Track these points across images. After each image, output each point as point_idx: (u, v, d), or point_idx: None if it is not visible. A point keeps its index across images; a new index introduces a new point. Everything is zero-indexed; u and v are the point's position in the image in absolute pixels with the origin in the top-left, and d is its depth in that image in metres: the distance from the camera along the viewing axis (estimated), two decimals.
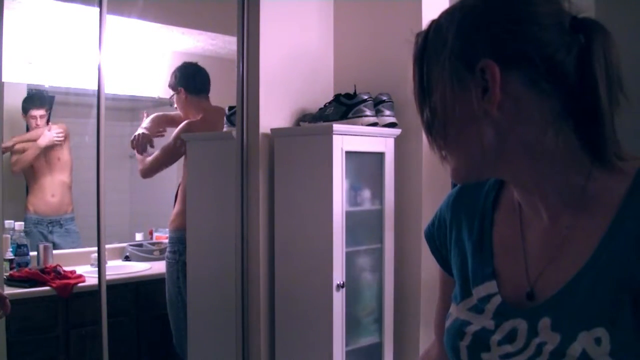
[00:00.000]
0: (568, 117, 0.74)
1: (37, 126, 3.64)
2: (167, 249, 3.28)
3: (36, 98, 3.69)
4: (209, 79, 3.37)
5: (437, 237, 0.97)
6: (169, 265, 3.25)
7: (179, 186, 3.36)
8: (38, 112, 3.64)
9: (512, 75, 0.73)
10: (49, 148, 3.69)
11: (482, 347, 0.80)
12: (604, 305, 0.70)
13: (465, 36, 0.75)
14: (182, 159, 3.30)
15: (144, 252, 3.84)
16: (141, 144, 3.29)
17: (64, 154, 3.76)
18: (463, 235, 0.90)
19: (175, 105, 3.39)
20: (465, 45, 0.75)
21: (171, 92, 3.37)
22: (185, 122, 3.26)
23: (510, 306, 0.79)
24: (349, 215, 2.47)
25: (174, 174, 3.76)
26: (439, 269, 0.99)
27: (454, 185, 0.95)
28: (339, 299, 2.42)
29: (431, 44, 0.79)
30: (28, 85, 3.69)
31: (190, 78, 3.30)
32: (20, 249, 3.25)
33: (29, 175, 3.68)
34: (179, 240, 3.18)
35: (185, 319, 3.14)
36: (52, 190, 3.71)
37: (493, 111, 0.74)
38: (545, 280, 0.77)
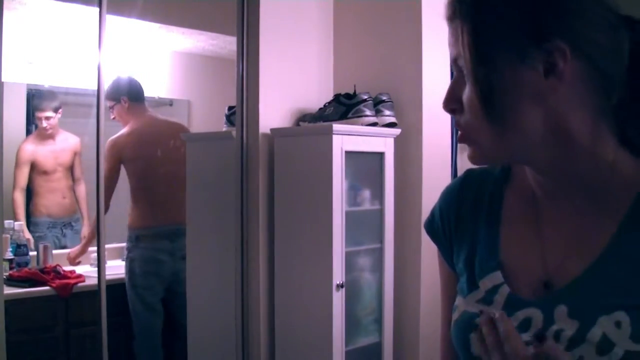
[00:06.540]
0: (608, 113, 0.75)
1: (47, 128, 3.57)
2: None
3: (46, 98, 3.62)
4: (143, 89, 3.48)
5: (439, 231, 0.95)
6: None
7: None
8: (45, 114, 3.56)
9: (574, 63, 0.72)
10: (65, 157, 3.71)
11: None
12: (623, 289, 0.71)
13: (538, 9, 0.72)
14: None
15: None
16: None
17: (76, 170, 3.77)
18: (468, 228, 0.90)
19: (113, 117, 3.35)
20: (538, 18, 0.72)
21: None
22: (108, 141, 3.14)
23: (521, 296, 0.79)
24: (348, 215, 2.47)
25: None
26: (439, 269, 0.97)
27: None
28: (339, 299, 2.42)
29: (487, 6, 0.74)
30: (28, 85, 3.68)
31: (132, 86, 3.39)
32: (20, 249, 3.24)
33: (41, 178, 3.67)
34: (129, 238, 3.32)
35: (137, 318, 3.23)
36: (63, 193, 3.73)
37: (553, 94, 0.73)
38: (564, 270, 0.77)
